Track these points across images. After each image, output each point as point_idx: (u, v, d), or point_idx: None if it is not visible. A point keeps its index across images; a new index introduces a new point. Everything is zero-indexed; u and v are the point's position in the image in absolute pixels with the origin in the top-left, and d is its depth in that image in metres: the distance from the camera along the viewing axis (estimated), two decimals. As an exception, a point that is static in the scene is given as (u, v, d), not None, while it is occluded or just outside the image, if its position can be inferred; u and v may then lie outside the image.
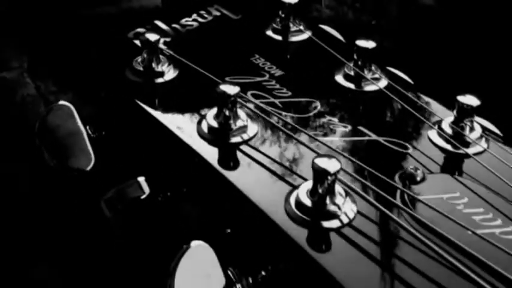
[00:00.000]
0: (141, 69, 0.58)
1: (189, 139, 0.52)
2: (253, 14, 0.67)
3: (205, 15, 0.67)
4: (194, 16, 0.67)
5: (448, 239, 0.44)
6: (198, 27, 0.65)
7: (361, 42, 0.58)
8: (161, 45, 0.60)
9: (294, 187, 0.48)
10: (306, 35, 0.65)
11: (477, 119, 0.54)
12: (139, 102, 0.57)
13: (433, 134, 0.54)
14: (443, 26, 0.96)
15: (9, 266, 0.71)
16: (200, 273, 0.46)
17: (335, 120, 0.55)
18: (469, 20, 0.96)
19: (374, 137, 0.53)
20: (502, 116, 0.56)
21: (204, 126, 0.53)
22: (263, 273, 0.47)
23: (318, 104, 0.56)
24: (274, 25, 0.65)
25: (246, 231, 0.49)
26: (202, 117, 0.54)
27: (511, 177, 0.50)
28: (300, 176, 0.49)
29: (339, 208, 0.46)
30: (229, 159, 0.51)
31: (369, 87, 0.58)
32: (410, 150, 0.52)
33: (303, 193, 0.46)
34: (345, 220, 0.46)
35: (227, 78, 0.57)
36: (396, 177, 0.50)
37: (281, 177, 0.49)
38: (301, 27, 0.64)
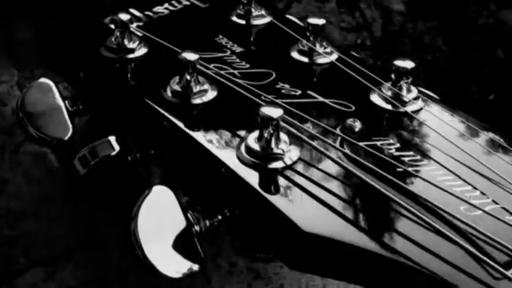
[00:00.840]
0: (115, 46, 0.65)
1: (157, 103, 0.58)
2: (219, 3, 0.73)
3: (176, 4, 0.73)
4: (166, 5, 0.73)
5: (379, 173, 0.50)
6: (168, 14, 0.72)
7: (313, 20, 0.64)
8: (133, 28, 0.66)
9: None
10: (268, 19, 0.71)
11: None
12: (112, 76, 0.63)
13: (374, 96, 0.60)
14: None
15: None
16: (161, 216, 0.52)
17: (287, 86, 0.61)
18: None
19: (321, 99, 0.59)
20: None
21: (168, 91, 0.59)
22: (219, 217, 0.53)
23: (273, 74, 0.62)
24: (238, 11, 0.71)
25: (203, 178, 0.55)
26: (167, 84, 0.60)
27: (445, 131, 0.56)
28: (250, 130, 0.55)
29: (283, 151, 0.52)
30: (193, 120, 0.57)
31: (321, 60, 0.64)
32: (353, 109, 0.58)
33: (251, 140, 0.53)
34: (289, 162, 0.52)
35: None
36: (337, 129, 0.55)
37: (235, 133, 0.55)
38: (263, 12, 0.71)
